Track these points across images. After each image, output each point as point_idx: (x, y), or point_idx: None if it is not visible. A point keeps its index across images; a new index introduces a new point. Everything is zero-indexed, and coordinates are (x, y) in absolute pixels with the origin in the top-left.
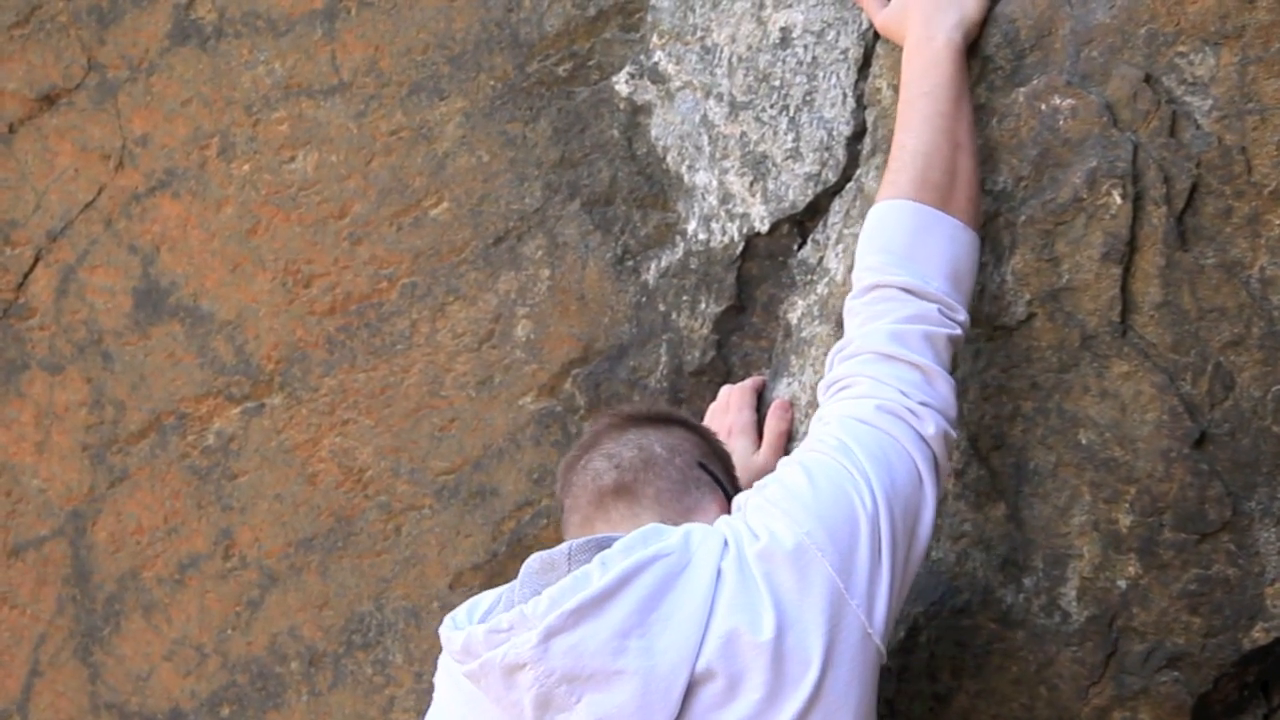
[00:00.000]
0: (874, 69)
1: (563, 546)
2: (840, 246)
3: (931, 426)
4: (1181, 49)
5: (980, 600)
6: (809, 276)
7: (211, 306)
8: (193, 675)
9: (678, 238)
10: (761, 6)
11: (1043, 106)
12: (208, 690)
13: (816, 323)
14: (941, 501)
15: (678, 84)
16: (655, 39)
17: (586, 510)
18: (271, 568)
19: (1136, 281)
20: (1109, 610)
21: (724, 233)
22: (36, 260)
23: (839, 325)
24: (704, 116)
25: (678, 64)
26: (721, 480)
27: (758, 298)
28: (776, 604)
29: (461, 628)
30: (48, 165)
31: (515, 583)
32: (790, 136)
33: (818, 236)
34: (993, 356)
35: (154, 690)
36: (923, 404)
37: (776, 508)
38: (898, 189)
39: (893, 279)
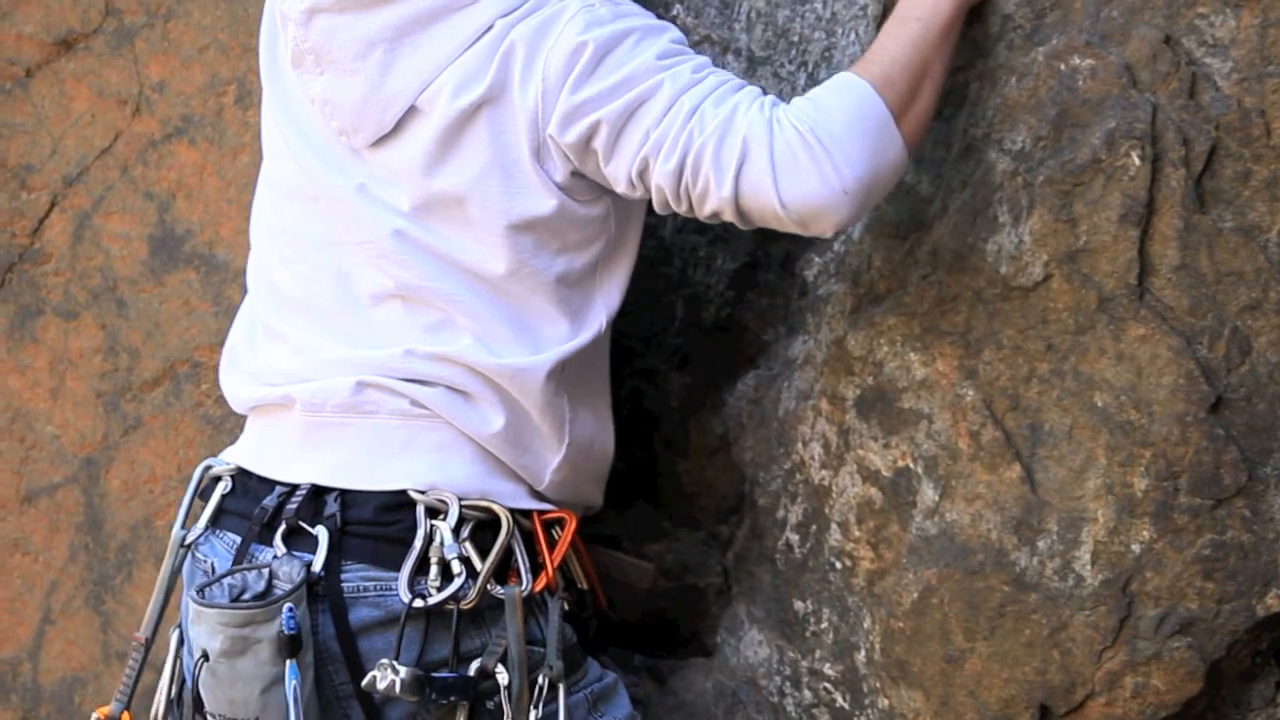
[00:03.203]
0: None
1: None
2: None
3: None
4: (1202, 10)
5: (994, 562)
6: None
7: (227, 255)
8: None
9: None
10: None
11: (1062, 66)
12: None
13: (833, 280)
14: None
15: (696, 38)
16: None
17: None
18: None
19: (1154, 244)
20: (1123, 574)
21: None
22: (52, 206)
23: (855, 283)
24: None
25: (696, 18)
26: None
27: (774, 254)
28: (495, 83)
29: None
30: (64, 110)
31: None
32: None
33: None
34: (1009, 317)
35: (165, 640)
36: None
37: (588, 13)
38: (866, 73)
39: (805, 127)
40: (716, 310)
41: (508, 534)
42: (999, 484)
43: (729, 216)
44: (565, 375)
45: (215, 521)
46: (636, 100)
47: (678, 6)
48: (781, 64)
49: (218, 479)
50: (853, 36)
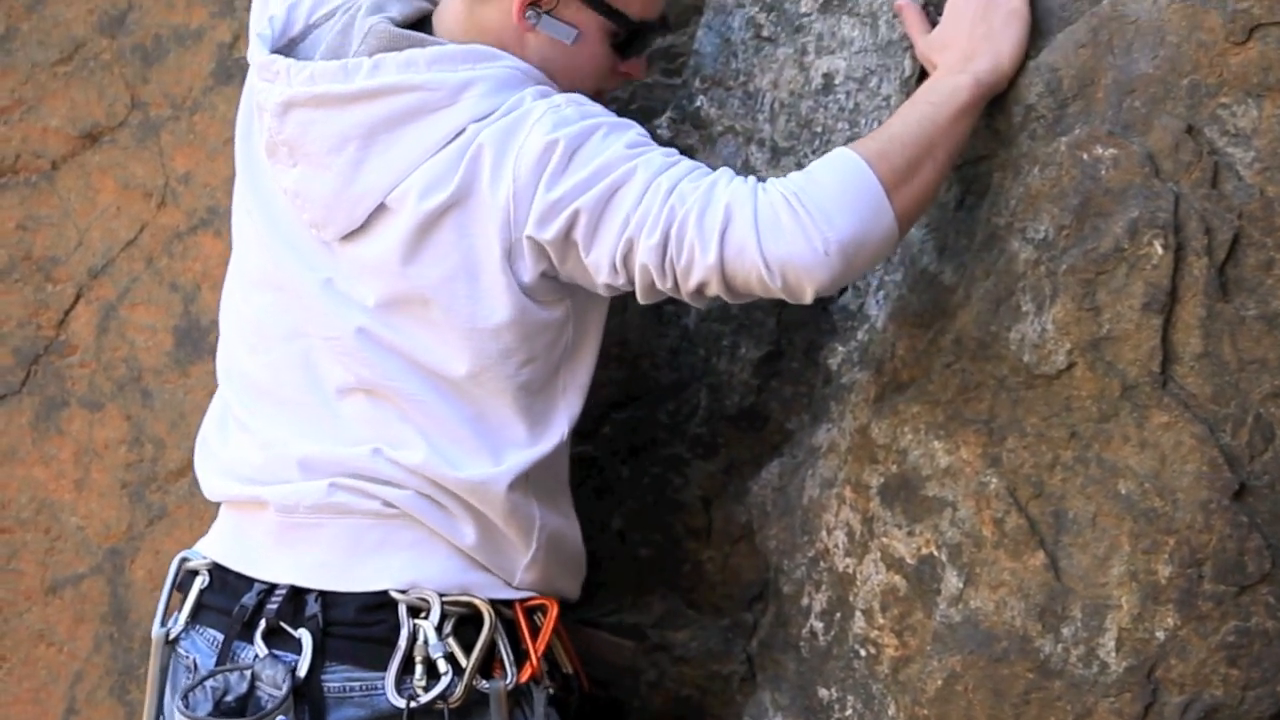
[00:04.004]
0: None
1: (373, 21)
2: (881, 293)
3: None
4: (1224, 100)
5: (1018, 650)
6: (849, 323)
7: None
8: None
9: None
10: (804, 53)
11: (1085, 156)
12: None
13: (856, 369)
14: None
15: (719, 129)
16: (697, 84)
17: None
18: None
19: (1177, 332)
20: (1147, 661)
21: None
22: (78, 297)
23: (878, 371)
24: (745, 162)
25: (720, 109)
26: None
27: (797, 343)
28: (461, 186)
29: (265, 38)
30: (90, 202)
31: (336, 21)
32: None
33: (858, 283)
34: (1032, 405)
35: None
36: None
37: (555, 113)
38: (861, 147)
39: (790, 192)
40: (740, 398)
41: (490, 628)
42: (1023, 571)
43: (715, 288)
44: (529, 483)
45: (194, 616)
46: (612, 186)
47: (701, 98)
48: (805, 154)
49: (194, 573)
50: (876, 127)
